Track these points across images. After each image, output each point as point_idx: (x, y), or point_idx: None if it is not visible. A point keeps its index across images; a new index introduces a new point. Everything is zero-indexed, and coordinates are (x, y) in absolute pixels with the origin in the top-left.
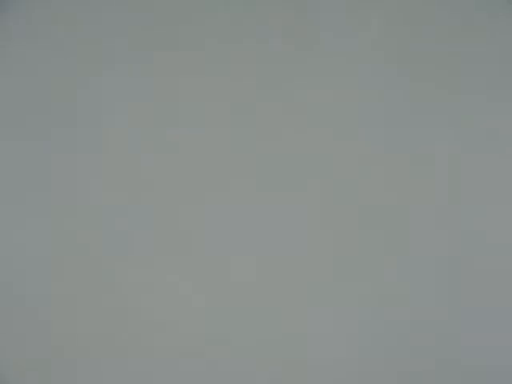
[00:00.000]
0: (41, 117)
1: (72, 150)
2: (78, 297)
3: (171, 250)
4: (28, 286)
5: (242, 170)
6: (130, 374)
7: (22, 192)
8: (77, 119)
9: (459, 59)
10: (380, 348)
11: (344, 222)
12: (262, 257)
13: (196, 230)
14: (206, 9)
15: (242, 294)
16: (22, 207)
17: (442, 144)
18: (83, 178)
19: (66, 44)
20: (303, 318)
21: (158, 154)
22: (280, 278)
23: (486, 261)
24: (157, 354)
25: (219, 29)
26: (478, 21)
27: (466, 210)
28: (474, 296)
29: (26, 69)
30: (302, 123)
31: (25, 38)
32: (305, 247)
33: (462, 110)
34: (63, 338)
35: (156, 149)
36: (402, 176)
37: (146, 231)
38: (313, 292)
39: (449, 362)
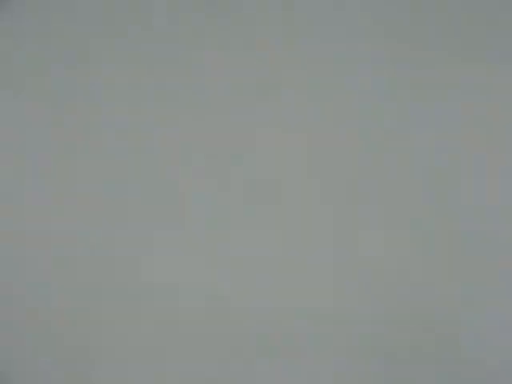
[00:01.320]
0: (41, 115)
1: (71, 139)
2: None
3: (170, 228)
4: (27, 284)
5: (240, 161)
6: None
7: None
8: (77, 116)
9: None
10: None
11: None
12: (260, 236)
13: (195, 209)
14: (204, 6)
15: (241, 269)
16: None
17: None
18: (83, 161)
19: (66, 40)
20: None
21: (158, 140)
22: (279, 255)
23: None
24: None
25: (217, 27)
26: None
27: (460, 186)
28: (469, 270)
29: (26, 67)
30: (299, 118)
31: (25, 35)
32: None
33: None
34: (65, 329)
35: (156, 137)
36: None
37: (146, 211)
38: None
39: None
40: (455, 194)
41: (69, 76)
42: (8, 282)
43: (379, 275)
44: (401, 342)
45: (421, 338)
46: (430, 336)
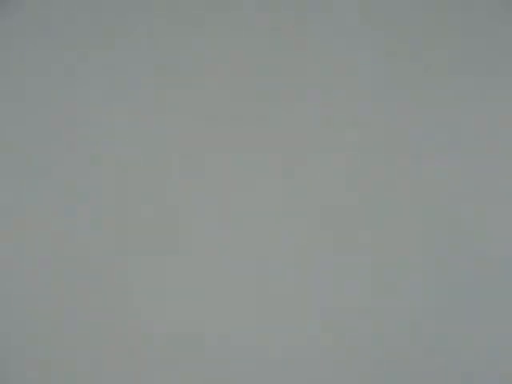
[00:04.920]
0: (41, 115)
1: (71, 150)
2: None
3: (170, 248)
4: (27, 286)
5: (239, 164)
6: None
7: (20, 189)
8: (77, 118)
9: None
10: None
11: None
12: (259, 258)
13: (194, 226)
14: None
15: (238, 292)
16: (21, 204)
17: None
18: (83, 176)
19: (66, 40)
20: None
21: (158, 150)
22: (277, 275)
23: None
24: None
25: (217, 24)
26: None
27: (456, 200)
28: (463, 286)
29: (26, 67)
30: (300, 113)
31: (25, 35)
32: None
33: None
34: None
35: (155, 144)
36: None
37: (144, 231)
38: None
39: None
40: (459, 212)
41: (69, 77)
42: (6, 282)
43: (381, 301)
44: (401, 362)
45: (422, 360)
46: (431, 361)
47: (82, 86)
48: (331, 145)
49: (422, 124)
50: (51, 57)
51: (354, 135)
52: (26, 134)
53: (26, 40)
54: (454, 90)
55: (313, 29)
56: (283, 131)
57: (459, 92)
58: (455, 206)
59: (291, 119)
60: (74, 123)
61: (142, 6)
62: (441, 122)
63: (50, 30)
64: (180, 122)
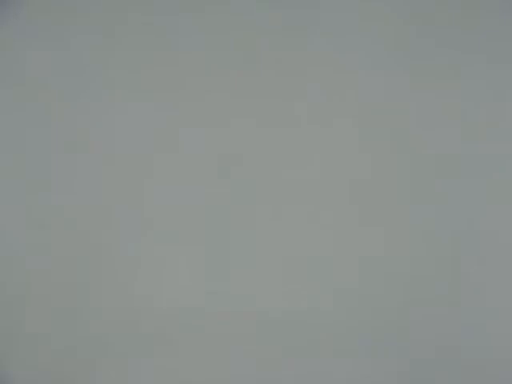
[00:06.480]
0: (42, 115)
1: (71, 147)
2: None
3: (170, 238)
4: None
5: (241, 162)
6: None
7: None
8: (77, 118)
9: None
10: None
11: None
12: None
13: (195, 218)
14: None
15: (240, 270)
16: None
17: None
18: (83, 173)
19: (67, 40)
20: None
21: (158, 148)
22: (278, 265)
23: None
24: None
25: (218, 23)
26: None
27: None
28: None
29: (27, 69)
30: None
31: (25, 37)
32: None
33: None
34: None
35: (156, 142)
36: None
37: (145, 225)
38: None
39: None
40: (457, 192)
41: (69, 77)
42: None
43: (380, 276)
44: (401, 342)
45: (421, 339)
46: (430, 336)
47: (82, 86)
48: (329, 140)
49: (421, 118)
50: (51, 57)
51: (353, 130)
52: (26, 134)
53: (26, 40)
54: (456, 90)
55: (312, 31)
56: (280, 134)
57: (459, 92)
58: (457, 201)
59: (292, 116)
60: (74, 122)
61: (143, 6)
62: (444, 121)
63: (50, 30)
64: (180, 120)
